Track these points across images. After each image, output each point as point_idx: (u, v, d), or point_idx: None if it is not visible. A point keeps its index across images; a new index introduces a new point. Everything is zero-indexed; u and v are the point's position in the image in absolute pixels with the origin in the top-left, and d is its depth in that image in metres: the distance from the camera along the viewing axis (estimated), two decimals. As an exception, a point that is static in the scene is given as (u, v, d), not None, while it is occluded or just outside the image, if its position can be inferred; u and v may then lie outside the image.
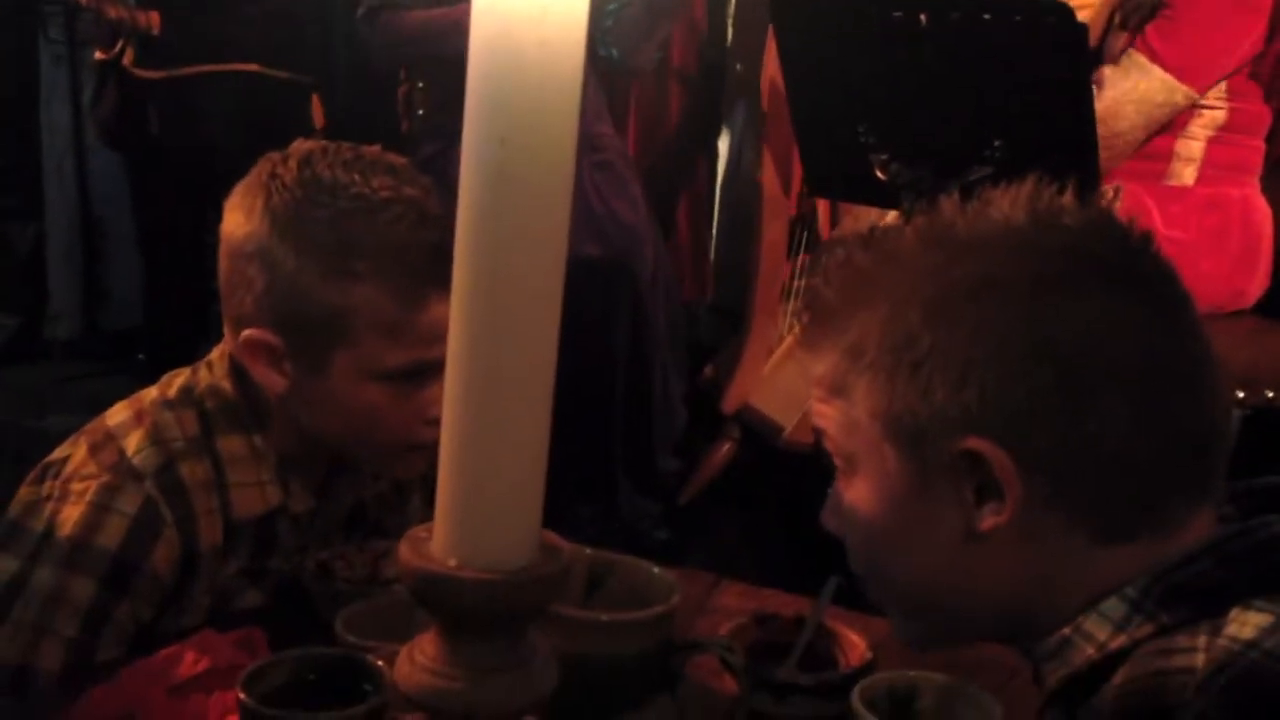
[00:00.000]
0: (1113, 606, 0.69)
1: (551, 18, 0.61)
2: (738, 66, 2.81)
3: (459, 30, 2.31)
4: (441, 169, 2.41)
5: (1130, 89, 2.04)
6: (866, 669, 0.94)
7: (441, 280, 0.68)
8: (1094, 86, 2.03)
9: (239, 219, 1.05)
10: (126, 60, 2.85)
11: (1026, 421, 0.69)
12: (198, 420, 1.08)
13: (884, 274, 0.74)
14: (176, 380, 1.11)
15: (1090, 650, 0.70)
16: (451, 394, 0.65)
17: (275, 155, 1.06)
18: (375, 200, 1.03)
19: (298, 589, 1.07)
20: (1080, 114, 1.77)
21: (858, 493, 0.75)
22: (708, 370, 2.54)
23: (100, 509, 1.02)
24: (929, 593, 0.75)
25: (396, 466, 1.13)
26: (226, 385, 1.09)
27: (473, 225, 0.65)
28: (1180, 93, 2.05)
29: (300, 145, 1.07)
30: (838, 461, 0.77)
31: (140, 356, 3.48)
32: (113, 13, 2.79)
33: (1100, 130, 1.99)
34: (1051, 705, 0.73)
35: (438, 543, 0.65)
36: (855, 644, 0.98)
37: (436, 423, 0.63)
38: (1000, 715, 0.86)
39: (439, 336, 0.72)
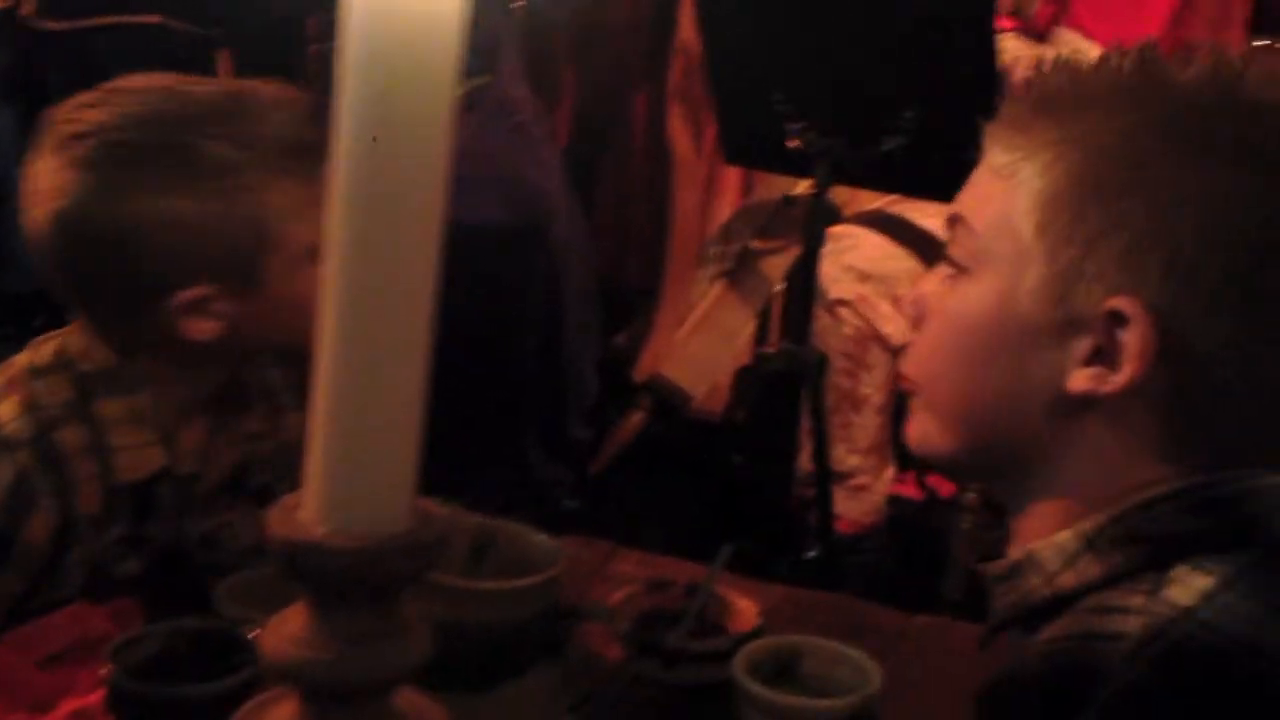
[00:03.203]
0: (1067, 539, 0.68)
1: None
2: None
3: None
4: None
5: None
6: (754, 635, 0.94)
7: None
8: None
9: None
10: (25, 10, 2.74)
11: (1200, 312, 0.65)
12: (72, 385, 1.05)
13: (1091, 102, 0.69)
14: (48, 345, 1.08)
15: (1036, 580, 0.68)
16: (323, 357, 0.63)
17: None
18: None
19: (178, 558, 1.05)
20: (985, 74, 1.77)
21: (972, 291, 0.71)
22: (619, 338, 2.53)
23: None
24: (982, 417, 0.72)
25: None
26: (101, 347, 1.06)
27: (348, 178, 0.62)
28: None
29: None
30: (958, 261, 0.72)
31: (38, 322, 3.37)
32: (10, -40, 2.68)
33: None
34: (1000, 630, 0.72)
35: (307, 510, 0.63)
36: (745, 611, 0.98)
37: None
38: (880, 679, 0.87)
39: None
